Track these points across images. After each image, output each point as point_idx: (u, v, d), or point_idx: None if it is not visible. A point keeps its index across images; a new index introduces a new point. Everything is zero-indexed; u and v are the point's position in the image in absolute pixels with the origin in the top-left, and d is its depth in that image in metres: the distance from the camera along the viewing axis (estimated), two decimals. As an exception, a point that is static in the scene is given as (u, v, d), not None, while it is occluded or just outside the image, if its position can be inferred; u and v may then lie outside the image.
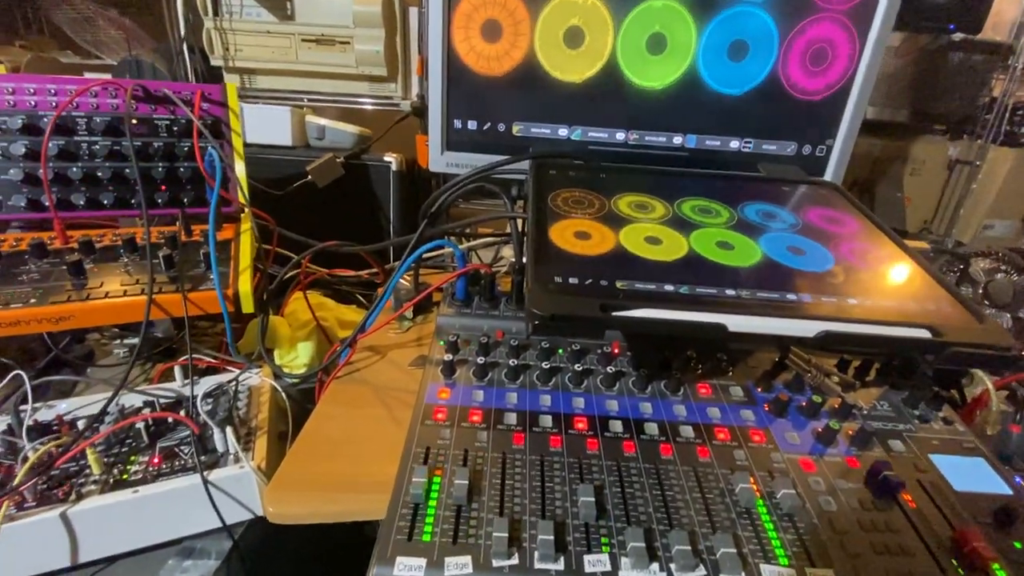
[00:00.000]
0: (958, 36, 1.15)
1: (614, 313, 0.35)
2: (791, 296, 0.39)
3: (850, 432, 0.45)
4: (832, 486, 0.41)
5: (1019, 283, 0.78)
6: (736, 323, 0.35)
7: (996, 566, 0.36)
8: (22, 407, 0.56)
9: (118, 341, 0.80)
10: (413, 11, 1.09)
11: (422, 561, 0.33)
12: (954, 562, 0.36)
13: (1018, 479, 0.46)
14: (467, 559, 0.34)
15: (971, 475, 0.43)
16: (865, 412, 0.48)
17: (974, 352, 0.35)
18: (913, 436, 0.46)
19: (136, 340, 0.74)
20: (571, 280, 0.38)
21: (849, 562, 0.36)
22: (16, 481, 0.46)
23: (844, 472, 0.42)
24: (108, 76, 1.16)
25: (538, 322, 0.35)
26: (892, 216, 1.07)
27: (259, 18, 1.08)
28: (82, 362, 0.77)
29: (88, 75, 1.20)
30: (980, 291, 0.78)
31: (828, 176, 0.67)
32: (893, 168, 1.12)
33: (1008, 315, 0.77)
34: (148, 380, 0.70)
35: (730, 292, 0.39)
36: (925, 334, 0.36)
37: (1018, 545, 0.38)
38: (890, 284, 0.42)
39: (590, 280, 0.38)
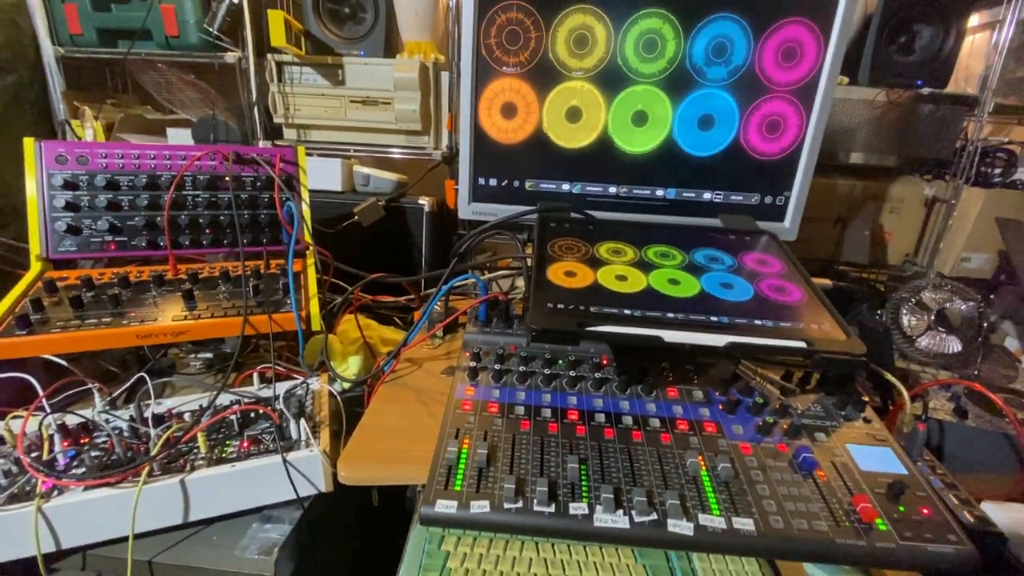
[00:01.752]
0: (927, 90, 1.28)
1: (586, 328, 0.50)
2: (714, 318, 0.53)
3: (784, 426, 0.58)
4: (763, 464, 0.54)
5: (966, 311, 0.89)
6: (670, 336, 0.49)
7: (879, 520, 0.49)
8: (144, 402, 0.72)
9: (192, 355, 0.98)
10: (444, 75, 1.28)
11: (454, 502, 0.48)
12: (847, 519, 0.49)
13: (924, 468, 0.58)
14: (486, 502, 0.48)
15: (877, 459, 0.56)
16: (800, 412, 0.61)
17: (834, 357, 0.49)
18: (836, 431, 0.59)
19: (208, 354, 0.91)
20: (559, 306, 0.54)
21: (765, 516, 0.49)
22: (154, 452, 0.62)
23: (774, 455, 0.55)
24: (187, 130, 1.38)
25: (534, 333, 0.50)
26: (857, 251, 1.20)
27: (315, 83, 1.29)
28: (168, 371, 0.95)
29: (170, 129, 1.42)
30: (933, 317, 0.90)
31: (787, 219, 0.81)
32: (865, 208, 1.24)
33: (956, 338, 0.89)
34: (228, 385, 0.86)
35: (670, 315, 0.53)
36: (801, 344, 0.49)
37: (902, 508, 0.50)
38: (790, 310, 0.56)
39: (572, 306, 0.54)
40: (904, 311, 0.91)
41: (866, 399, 0.62)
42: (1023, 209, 1.21)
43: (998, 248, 1.31)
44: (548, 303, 0.54)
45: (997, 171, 1.34)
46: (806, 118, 0.77)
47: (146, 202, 0.81)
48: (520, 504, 0.48)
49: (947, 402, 0.80)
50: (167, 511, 0.62)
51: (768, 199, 0.81)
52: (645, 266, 0.62)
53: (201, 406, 0.73)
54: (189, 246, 0.84)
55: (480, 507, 0.47)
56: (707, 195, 0.81)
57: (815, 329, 0.52)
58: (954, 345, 0.89)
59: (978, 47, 1.36)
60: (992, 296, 1.17)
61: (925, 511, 0.50)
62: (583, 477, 0.51)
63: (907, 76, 1.26)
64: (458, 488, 0.49)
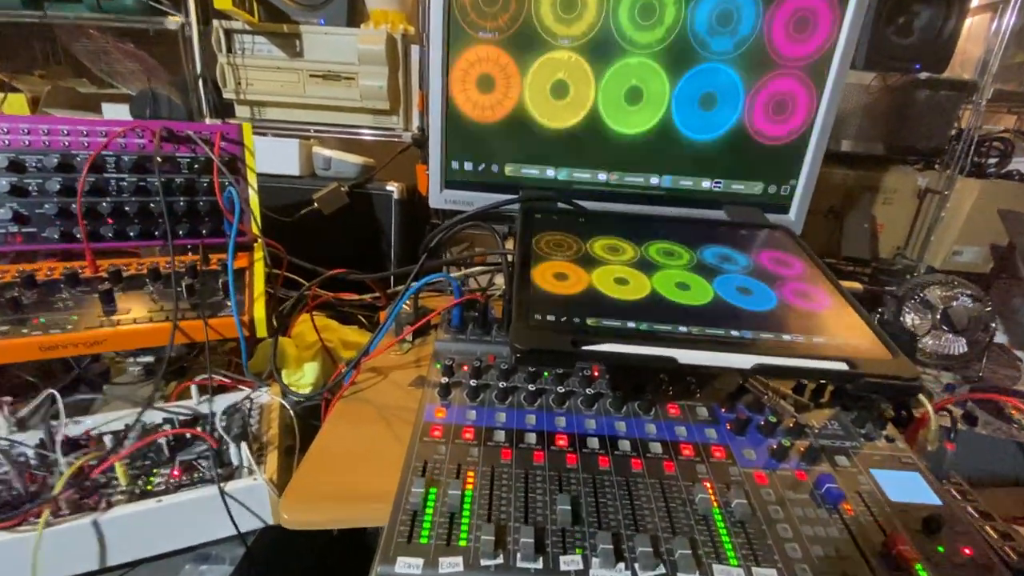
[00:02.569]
0: (924, 75, 1.22)
1: (583, 347, 0.41)
2: (734, 333, 0.45)
3: (801, 449, 0.51)
4: (781, 496, 0.47)
5: (974, 310, 0.84)
6: (685, 356, 0.41)
7: (919, 566, 0.42)
8: (53, 423, 0.61)
9: (131, 359, 0.85)
10: (415, 49, 1.16)
11: (419, 560, 0.39)
12: (883, 564, 0.42)
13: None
14: (459, 559, 0.39)
15: (906, 487, 0.49)
16: (816, 431, 0.54)
17: (883, 382, 0.41)
18: (858, 452, 0.52)
19: (149, 359, 0.80)
20: (548, 317, 0.44)
21: (790, 564, 0.41)
22: (56, 490, 0.51)
23: (793, 484, 0.48)
24: (125, 106, 1.23)
25: (519, 355, 0.40)
26: (858, 245, 1.14)
27: (270, 55, 1.15)
28: (99, 379, 0.83)
29: (105, 105, 1.27)
30: (938, 316, 0.85)
31: (792, 212, 0.74)
32: (863, 199, 1.18)
33: (963, 339, 0.83)
34: (164, 397, 0.75)
35: (683, 329, 0.45)
36: (843, 366, 0.42)
37: (941, 549, 0.44)
38: (821, 322, 0.48)
39: (565, 318, 0.44)
40: (907, 309, 0.86)
41: (888, 414, 0.55)
42: (1019, 201, 1.17)
43: (991, 242, 1.27)
44: (535, 314, 0.44)
45: (992, 161, 1.30)
46: (817, 98, 0.69)
47: (58, 186, 0.69)
48: (500, 560, 0.39)
49: (954, 407, 0.75)
50: (78, 556, 0.52)
51: (772, 188, 0.73)
52: (648, 266, 0.53)
53: (127, 426, 0.62)
54: (113, 238, 0.72)
55: (452, 566, 0.39)
56: (706, 183, 0.73)
57: (855, 346, 0.44)
58: (960, 346, 0.83)
59: (976, 31, 1.31)
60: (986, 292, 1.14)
61: (967, 551, 0.44)
62: (576, 521, 0.42)
63: (905, 59, 1.19)
64: (424, 541, 0.40)
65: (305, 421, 0.73)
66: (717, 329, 0.45)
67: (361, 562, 0.72)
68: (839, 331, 0.46)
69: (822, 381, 0.51)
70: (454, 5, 0.64)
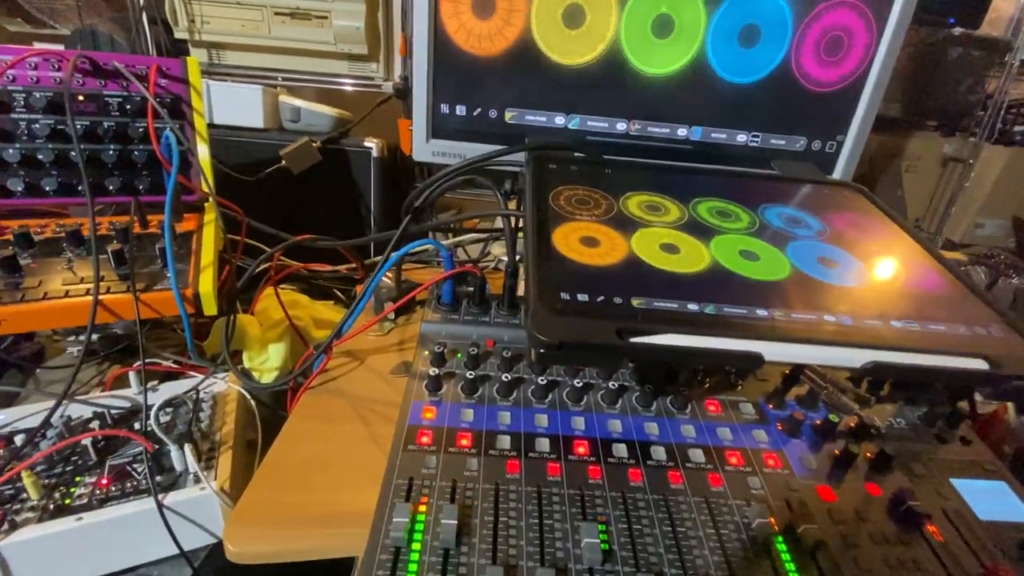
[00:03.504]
0: (957, 31, 1.12)
1: (632, 339, 0.30)
2: (829, 317, 0.35)
3: (869, 455, 0.42)
4: (854, 517, 0.38)
5: (1019, 286, 0.76)
6: (773, 352, 0.31)
7: (1031, 608, 0.33)
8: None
9: (72, 338, 0.73)
10: (397, -15, 1.02)
11: (404, 619, 0.29)
12: (987, 604, 0.33)
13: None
14: (456, 617, 0.29)
15: (994, 502, 0.40)
16: (883, 432, 0.45)
17: None
18: (933, 457, 0.43)
19: (92, 335, 0.67)
20: (580, 297, 0.33)
21: (878, 608, 0.32)
22: (-66, 512, 0.40)
23: (866, 501, 0.39)
24: (60, 47, 1.06)
25: (544, 352, 0.30)
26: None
27: (228, -13, 1.00)
28: (29, 363, 0.70)
29: (38, 46, 1.10)
30: (981, 295, 0.76)
31: (838, 174, 0.64)
32: (892, 166, 1.09)
33: (1009, 320, 0.75)
34: (101, 385, 0.64)
35: (761, 312, 0.34)
36: (982, 365, 0.32)
37: (1050, 582, 0.35)
38: (935, 304, 0.38)
39: (602, 297, 0.33)
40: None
41: (962, 410, 0.46)
42: (1050, 170, 1.09)
43: (1014, 214, 1.19)
44: (562, 293, 0.33)
45: (1020, 128, 1.21)
46: (876, 36, 0.58)
47: (-51, 127, 0.55)
48: (511, 616, 0.30)
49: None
50: (-26, 591, 0.42)
51: (816, 144, 0.63)
52: (700, 230, 0.42)
53: (43, 424, 0.51)
54: (23, 193, 0.59)
55: (447, 628, 0.29)
56: (741, 137, 0.62)
57: (986, 337, 0.35)
58: (1004, 327, 0.75)
59: (1010, -16, 1.21)
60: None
61: (1079, 583, 0.35)
62: (606, 558, 0.33)
63: (939, 12, 1.09)
64: (410, 591, 0.30)
65: (272, 411, 0.62)
66: (806, 313, 0.35)
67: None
68: (960, 316, 0.36)
69: (950, 384, 0.42)
70: (445, -100, 0.51)
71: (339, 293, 0.87)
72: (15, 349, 0.70)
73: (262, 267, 0.69)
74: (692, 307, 0.34)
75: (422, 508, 0.34)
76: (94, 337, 0.68)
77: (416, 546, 0.32)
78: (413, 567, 0.31)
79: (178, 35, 1.03)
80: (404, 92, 1.04)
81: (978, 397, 0.52)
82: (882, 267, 0.41)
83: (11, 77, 0.58)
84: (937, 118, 1.29)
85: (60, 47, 1.06)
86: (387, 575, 0.31)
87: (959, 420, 0.46)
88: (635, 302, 0.33)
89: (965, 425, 0.47)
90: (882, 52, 0.59)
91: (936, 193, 1.27)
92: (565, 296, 0.33)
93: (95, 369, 0.69)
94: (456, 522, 0.33)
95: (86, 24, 1.05)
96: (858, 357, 0.31)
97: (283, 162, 0.91)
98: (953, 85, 1.19)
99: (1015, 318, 0.36)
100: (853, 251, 0.42)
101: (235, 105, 0.91)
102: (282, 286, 0.75)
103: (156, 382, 0.59)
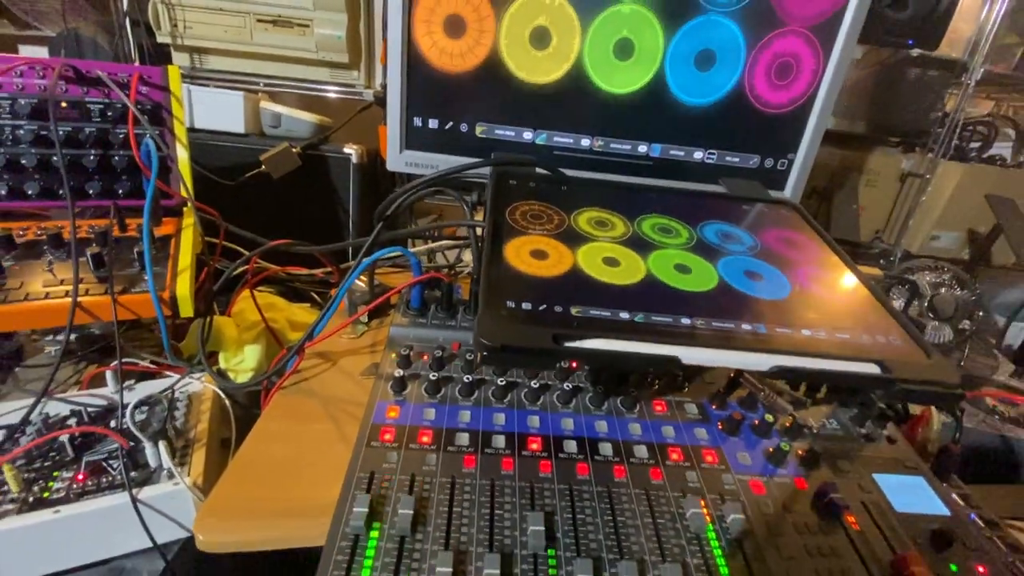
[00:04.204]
0: (916, 52, 1.18)
1: (567, 344, 0.33)
2: (746, 326, 0.39)
3: (800, 452, 0.46)
4: (780, 509, 0.41)
5: (961, 297, 0.81)
6: (690, 356, 0.34)
7: (932, 590, 0.37)
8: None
9: (50, 337, 0.74)
10: (378, -5, 1.04)
11: (359, 599, 0.32)
12: (893, 586, 0.37)
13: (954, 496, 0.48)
14: (407, 597, 0.32)
15: (911, 495, 0.44)
16: (815, 431, 0.49)
17: (922, 389, 0.36)
18: (859, 455, 0.47)
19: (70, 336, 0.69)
20: (524, 305, 0.36)
21: (793, 589, 0.36)
22: (-87, 504, 0.42)
23: (792, 494, 0.43)
24: (44, 50, 1.07)
25: (487, 353, 0.33)
26: (847, 227, 1.10)
27: (211, -7, 1.02)
28: (8, 361, 0.71)
29: (23, 49, 1.11)
30: (925, 304, 0.81)
31: (788, 189, 0.68)
32: (850, 179, 1.14)
33: (949, 328, 0.80)
34: (79, 384, 0.65)
35: (685, 321, 0.38)
36: (875, 370, 0.36)
37: (954, 568, 0.39)
38: (844, 315, 0.42)
39: (544, 306, 0.37)
40: (894, 295, 0.82)
41: (888, 412, 0.50)
42: (1000, 186, 1.15)
43: (968, 227, 1.26)
44: (508, 301, 0.36)
45: (975, 145, 1.28)
46: (823, 62, 0.62)
47: (-69, 131, 0.57)
48: (459, 596, 0.32)
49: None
50: (-49, 579, 0.43)
51: (769, 162, 0.67)
52: (642, 245, 0.46)
53: (22, 420, 0.52)
54: (6, 197, 0.60)
55: (398, 606, 0.32)
56: (698, 154, 0.66)
57: (883, 344, 0.38)
58: (945, 335, 0.80)
59: (967, 9, 1.27)
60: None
61: (980, 569, 0.39)
62: (550, 544, 0.36)
63: (899, 35, 1.14)
64: (365, 574, 0.33)
65: (247, 410, 0.64)
66: (726, 322, 0.38)
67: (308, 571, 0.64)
68: (865, 326, 0.40)
69: (848, 387, 0.45)
70: (417, -72, 0.54)
71: (316, 296, 0.89)
72: (-4, 347, 0.71)
73: (239, 270, 0.71)
74: (624, 315, 0.37)
75: (381, 500, 0.37)
76: (72, 337, 0.69)
77: (374, 534, 0.35)
78: (370, 553, 0.34)
79: (161, 39, 1.04)
80: (385, 100, 1.07)
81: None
82: (802, 281, 0.45)
83: (-6, 83, 0.60)
84: (899, 135, 1.34)
85: (44, 49, 1.07)
86: (346, 559, 0.33)
87: (886, 422, 0.50)
88: (574, 310, 0.36)
89: (892, 426, 0.51)
90: (828, 76, 0.63)
91: (896, 207, 1.33)
92: (511, 304, 0.36)
93: (72, 369, 0.70)
94: (412, 511, 0.35)
95: (70, 27, 1.06)
96: (765, 361, 0.35)
97: (263, 167, 0.92)
98: (913, 104, 1.25)
99: (915, 329, 0.40)
100: (778, 265, 0.46)
101: (216, 110, 0.93)
102: (259, 289, 0.77)
103: (133, 381, 0.61)
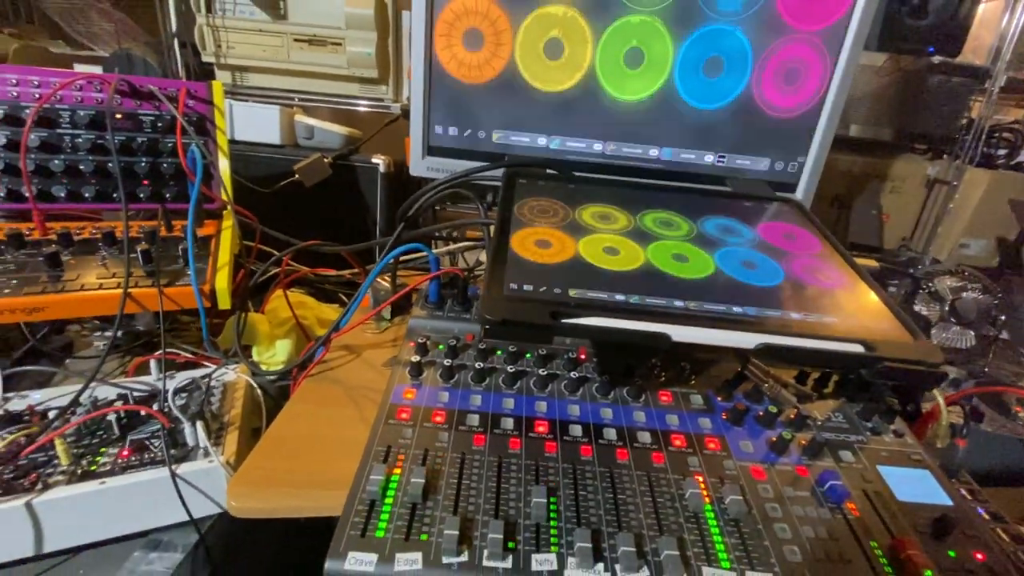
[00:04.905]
0: (937, 59, 1.17)
1: (563, 320, 0.36)
2: (736, 309, 0.40)
3: (803, 442, 0.47)
4: (780, 494, 0.42)
5: (983, 302, 0.80)
6: (679, 333, 0.36)
7: (929, 573, 0.37)
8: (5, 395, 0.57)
9: (98, 333, 0.80)
10: (406, 14, 1.10)
11: (373, 556, 0.34)
12: (889, 569, 0.38)
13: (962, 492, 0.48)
14: (417, 555, 0.35)
15: (915, 486, 0.45)
16: (819, 423, 0.49)
17: (904, 367, 0.37)
18: (864, 447, 0.48)
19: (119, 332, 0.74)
20: (525, 287, 0.39)
21: (788, 569, 0.37)
22: (-17, 468, 0.46)
23: (793, 480, 0.44)
24: (99, 68, 1.16)
25: (489, 327, 0.36)
26: (867, 231, 1.09)
27: (252, 16, 1.09)
28: (60, 353, 0.78)
29: (78, 67, 1.20)
30: (946, 308, 0.80)
31: (799, 192, 0.69)
32: (870, 185, 1.14)
33: (972, 332, 0.79)
34: (124, 373, 0.70)
35: (678, 303, 0.40)
36: (859, 349, 0.37)
37: (952, 554, 0.40)
38: (834, 300, 0.43)
39: (544, 287, 0.39)
40: (916, 300, 0.81)
41: (896, 407, 0.51)
42: (1029, 193, 1.13)
43: (998, 235, 1.23)
44: (511, 283, 0.39)
45: (1002, 152, 1.26)
46: (831, 68, 0.64)
47: (4, 140, 0.63)
48: (465, 558, 0.35)
49: (961, 402, 0.71)
50: (10, 541, 0.48)
51: (779, 165, 0.68)
52: (642, 236, 0.48)
53: (73, 401, 0.57)
54: (65, 199, 0.66)
55: (409, 563, 0.34)
56: (708, 158, 0.68)
57: (871, 327, 0.40)
58: (968, 340, 0.79)
59: (989, 17, 1.26)
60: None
61: (979, 556, 0.40)
62: (552, 516, 0.38)
63: (919, 42, 1.14)
64: (380, 534, 0.36)
65: (277, 401, 0.68)
66: (717, 305, 0.40)
67: (323, 552, 0.67)
68: (854, 310, 0.41)
69: (834, 366, 0.47)
70: (440, -51, 0.58)
71: (343, 297, 0.94)
72: (48, 341, 0.78)
73: (273, 271, 0.76)
74: (619, 297, 0.39)
75: (396, 470, 0.40)
76: (119, 333, 0.75)
77: (388, 500, 0.38)
78: (385, 516, 0.37)
79: (206, 58, 1.12)
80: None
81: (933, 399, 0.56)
82: (796, 270, 0.47)
83: (58, 97, 0.66)
84: (924, 141, 1.33)
85: (98, 67, 1.16)
86: (361, 522, 0.36)
87: (894, 416, 0.51)
88: (572, 292, 0.39)
89: (900, 421, 0.51)
90: (836, 81, 0.64)
91: (923, 214, 1.31)
92: (513, 286, 0.39)
93: (118, 361, 0.76)
94: (424, 481, 0.38)
95: (122, 47, 1.15)
96: (751, 340, 0.37)
97: (296, 176, 0.98)
98: (937, 110, 1.24)
99: (904, 314, 0.41)
100: (774, 256, 0.47)
101: (255, 123, 1.00)
102: (291, 289, 0.81)
103: (174, 371, 0.65)
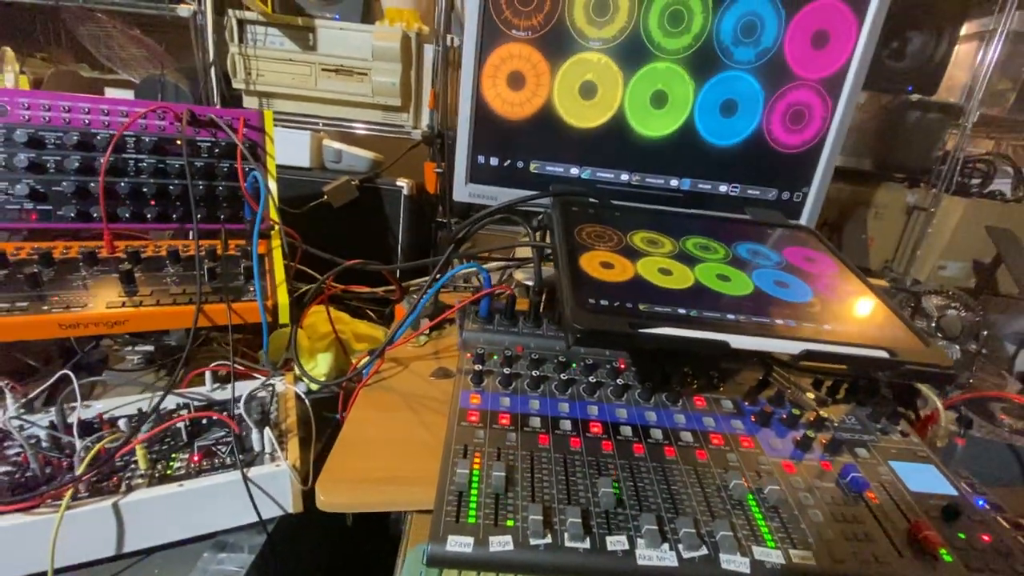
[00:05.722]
0: (915, 97, 1.28)
1: (640, 330, 0.42)
2: (779, 321, 0.47)
3: (824, 441, 0.53)
4: (809, 485, 0.48)
5: (967, 319, 0.88)
6: (737, 341, 0.43)
7: (944, 551, 0.43)
8: (66, 406, 0.60)
9: (129, 348, 0.84)
10: (428, 47, 1.17)
11: (470, 539, 0.39)
12: (909, 548, 0.44)
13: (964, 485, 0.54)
14: (508, 537, 0.39)
15: (923, 478, 0.51)
16: (836, 424, 0.56)
17: (921, 369, 0.43)
18: (876, 445, 0.54)
19: (149, 347, 0.78)
20: (603, 302, 0.45)
21: (824, 546, 0.42)
22: (80, 471, 0.50)
23: (819, 474, 0.50)
24: (130, 93, 1.21)
25: (579, 336, 0.41)
26: (857, 254, 1.18)
27: (282, 47, 1.15)
28: (99, 365, 0.81)
29: (108, 90, 1.25)
30: (933, 324, 0.88)
31: (804, 218, 0.77)
32: (858, 212, 1.23)
33: (957, 347, 0.87)
34: (175, 384, 0.74)
35: (731, 316, 0.46)
36: (884, 354, 0.44)
37: (962, 535, 0.46)
38: (857, 314, 0.50)
39: (618, 303, 0.45)
40: (905, 317, 0.89)
41: (901, 410, 0.57)
42: (1001, 219, 1.23)
43: (974, 257, 1.33)
44: (589, 299, 0.46)
45: (975, 181, 1.37)
46: (831, 110, 0.72)
47: (77, 164, 0.68)
48: (549, 539, 0.40)
49: (954, 408, 0.78)
50: (96, 541, 0.51)
51: (786, 195, 0.76)
52: (687, 259, 0.55)
53: (140, 411, 0.61)
54: (130, 219, 0.70)
55: (502, 544, 0.39)
56: (723, 188, 0.75)
57: (891, 336, 0.47)
58: (953, 354, 0.87)
59: (963, 58, 1.38)
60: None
61: (985, 538, 0.46)
62: (618, 504, 0.43)
63: (898, 81, 1.25)
64: (472, 520, 0.40)
65: (317, 413, 0.72)
66: (763, 318, 0.47)
67: (374, 552, 0.71)
68: (874, 323, 0.49)
69: (863, 369, 0.53)
70: (490, 3, 0.65)
71: (371, 313, 0.98)
72: (86, 355, 0.81)
73: (307, 287, 0.81)
74: (681, 311, 0.45)
75: (476, 465, 0.45)
76: (150, 348, 0.79)
77: (474, 491, 0.43)
78: (473, 505, 0.42)
79: (236, 85, 1.17)
80: (431, 139, 1.19)
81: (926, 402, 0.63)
82: (821, 289, 0.54)
83: (122, 123, 0.71)
84: (903, 171, 1.44)
85: (130, 92, 1.20)
86: (454, 510, 0.41)
87: (899, 419, 0.57)
88: (642, 307, 0.45)
89: (904, 423, 0.58)
90: (836, 122, 0.73)
91: (904, 238, 1.41)
92: (592, 301, 0.45)
93: (154, 376, 0.79)
94: (504, 474, 0.43)
95: (154, 73, 1.20)
96: (796, 347, 0.43)
97: (325, 197, 1.03)
98: (915, 143, 1.35)
99: (914, 324, 0.47)
100: (801, 277, 0.54)
101: (286, 147, 1.05)
102: (320, 306, 0.86)
103: (218, 384, 0.69)
